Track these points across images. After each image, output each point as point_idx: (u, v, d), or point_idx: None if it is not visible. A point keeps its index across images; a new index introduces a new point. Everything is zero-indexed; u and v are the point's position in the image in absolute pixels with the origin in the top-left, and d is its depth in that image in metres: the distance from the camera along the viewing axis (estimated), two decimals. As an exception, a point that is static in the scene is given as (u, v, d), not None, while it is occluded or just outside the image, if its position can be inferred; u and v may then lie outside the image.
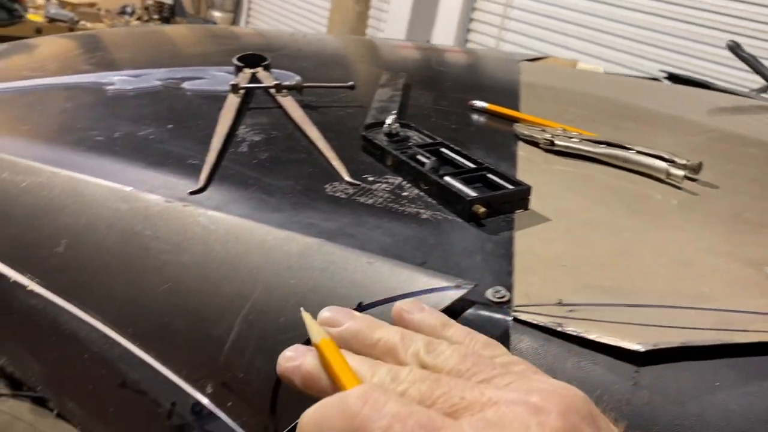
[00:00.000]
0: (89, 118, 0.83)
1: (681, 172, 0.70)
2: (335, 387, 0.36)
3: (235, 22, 7.38)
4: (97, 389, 0.51)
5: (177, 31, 1.64)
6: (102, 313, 0.53)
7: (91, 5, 6.53)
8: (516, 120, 0.88)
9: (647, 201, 0.68)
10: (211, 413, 0.49)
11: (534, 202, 0.64)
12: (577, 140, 0.77)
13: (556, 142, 0.77)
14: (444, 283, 0.49)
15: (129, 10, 7.15)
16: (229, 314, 0.50)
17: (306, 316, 0.40)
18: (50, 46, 1.32)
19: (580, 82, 1.29)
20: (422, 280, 0.49)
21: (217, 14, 7.43)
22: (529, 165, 0.75)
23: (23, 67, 1.09)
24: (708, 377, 0.45)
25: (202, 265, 0.53)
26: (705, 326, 0.47)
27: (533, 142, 0.80)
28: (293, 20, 6.28)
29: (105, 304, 0.53)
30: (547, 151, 0.79)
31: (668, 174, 0.70)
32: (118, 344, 0.51)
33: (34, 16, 5.69)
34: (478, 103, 0.93)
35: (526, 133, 0.81)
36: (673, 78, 1.61)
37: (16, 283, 0.55)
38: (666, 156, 0.72)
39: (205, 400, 0.49)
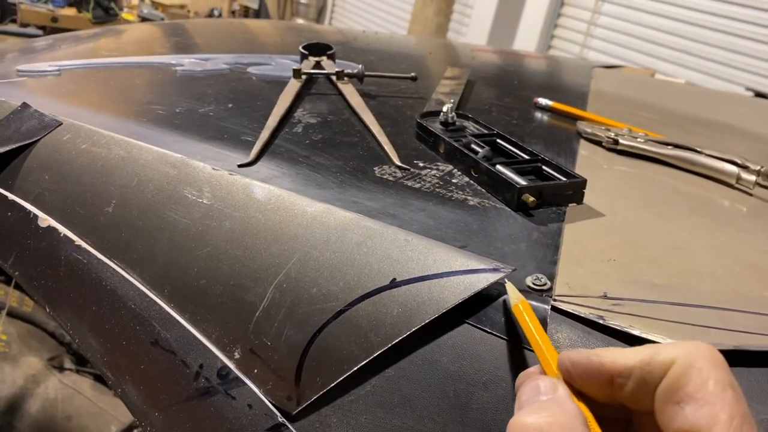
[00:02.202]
0: (155, 94, 0.85)
1: (753, 177, 0.65)
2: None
3: (316, 29, 7.51)
4: (130, 345, 0.51)
5: (257, 24, 1.68)
6: (142, 272, 0.54)
7: (182, 7, 6.80)
8: (580, 118, 0.85)
9: (713, 205, 0.64)
10: (237, 378, 0.48)
11: (590, 198, 0.61)
12: (643, 140, 0.74)
13: (620, 141, 0.74)
14: (481, 265, 0.47)
15: (216, 13, 7.41)
16: (263, 281, 0.50)
17: (508, 285, 0.44)
18: (135, 32, 1.37)
19: (653, 90, 1.23)
20: (459, 260, 0.47)
21: (300, 21, 7.61)
22: (589, 163, 0.72)
23: (104, 48, 1.14)
24: (763, 386, 0.41)
25: (242, 231, 0.53)
26: (764, 331, 0.43)
27: (596, 141, 0.77)
28: (375, 29, 6.35)
29: (145, 263, 0.54)
30: (609, 150, 0.75)
31: (739, 179, 0.66)
32: (154, 303, 0.52)
33: (128, 15, 5.97)
34: (543, 101, 0.90)
35: (589, 131, 0.78)
36: (761, 96, 1.52)
37: (66, 237, 0.56)
38: (738, 161, 0.68)
39: (231, 365, 0.49)
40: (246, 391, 0.48)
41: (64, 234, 0.57)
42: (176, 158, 0.60)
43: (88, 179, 0.61)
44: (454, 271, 0.47)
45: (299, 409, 0.46)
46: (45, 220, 0.58)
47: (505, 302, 0.46)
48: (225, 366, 0.49)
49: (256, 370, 0.48)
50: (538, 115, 0.90)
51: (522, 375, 0.38)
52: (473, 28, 4.74)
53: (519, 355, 0.45)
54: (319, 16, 7.67)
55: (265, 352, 0.48)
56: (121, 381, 0.51)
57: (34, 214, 0.59)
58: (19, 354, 1.66)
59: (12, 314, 1.69)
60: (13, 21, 4.84)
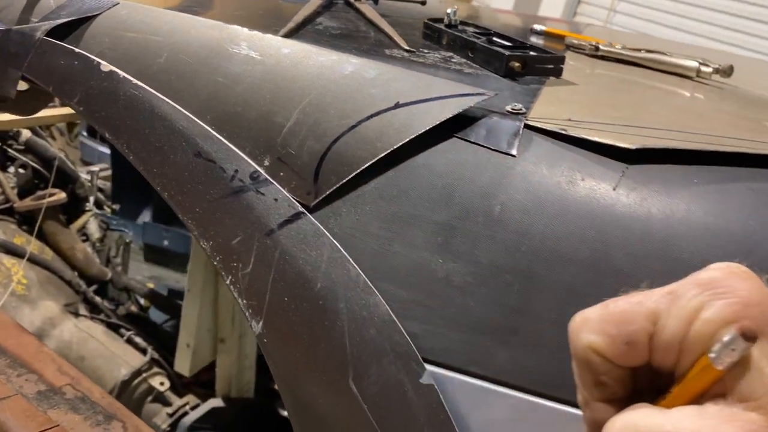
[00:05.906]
0: None
1: (710, 69, 0.75)
2: None
3: None
4: (177, 156, 0.62)
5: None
6: (188, 104, 0.64)
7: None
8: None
9: (675, 85, 0.75)
10: (265, 179, 0.59)
11: (568, 77, 0.72)
12: (620, 47, 0.84)
13: (601, 47, 0.84)
14: (468, 91, 0.57)
15: None
16: (289, 106, 0.61)
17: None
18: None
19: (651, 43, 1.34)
20: (452, 88, 0.58)
21: None
22: (574, 68, 0.82)
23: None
24: (688, 177, 0.52)
25: (273, 72, 0.64)
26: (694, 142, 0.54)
27: (581, 52, 0.88)
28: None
29: (191, 98, 0.65)
30: (592, 56, 0.86)
31: (698, 72, 0.76)
32: (198, 124, 0.62)
33: None
34: (538, 27, 1.01)
35: (575, 42, 0.88)
36: None
37: (124, 78, 0.67)
38: (700, 60, 0.78)
39: (261, 170, 0.59)
40: (273, 189, 0.58)
41: (123, 75, 0.67)
42: (218, 24, 0.71)
43: (143, 39, 0.72)
44: (448, 96, 0.57)
45: (316, 201, 0.57)
46: (107, 65, 0.68)
47: None
48: (256, 170, 0.59)
49: (281, 173, 0.59)
50: (533, 39, 1.00)
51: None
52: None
53: (493, 157, 0.55)
54: None
55: (290, 159, 0.59)
56: (167, 187, 0.62)
57: (98, 62, 0.69)
58: (37, 298, 1.74)
59: (32, 260, 1.78)
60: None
